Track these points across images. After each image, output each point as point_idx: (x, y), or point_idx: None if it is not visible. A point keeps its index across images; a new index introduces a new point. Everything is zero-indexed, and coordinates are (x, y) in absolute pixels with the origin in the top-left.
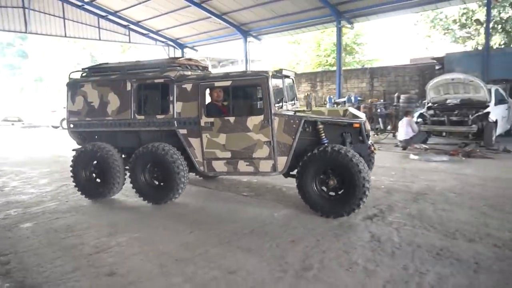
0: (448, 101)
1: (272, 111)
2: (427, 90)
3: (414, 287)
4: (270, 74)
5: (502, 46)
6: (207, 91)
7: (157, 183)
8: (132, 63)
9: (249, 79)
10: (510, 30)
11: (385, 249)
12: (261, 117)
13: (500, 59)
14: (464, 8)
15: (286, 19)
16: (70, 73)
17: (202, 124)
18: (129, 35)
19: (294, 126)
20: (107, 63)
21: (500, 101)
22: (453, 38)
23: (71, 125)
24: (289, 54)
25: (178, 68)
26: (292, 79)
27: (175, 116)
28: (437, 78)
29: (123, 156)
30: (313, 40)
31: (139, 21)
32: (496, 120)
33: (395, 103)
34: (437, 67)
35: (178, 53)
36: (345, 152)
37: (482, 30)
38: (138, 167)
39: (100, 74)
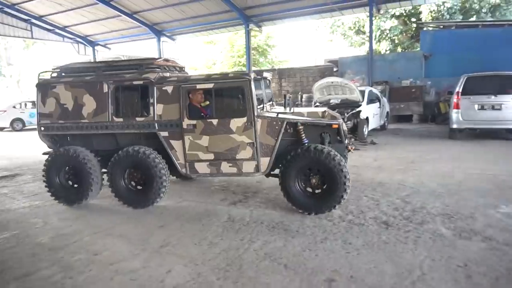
0: (331, 101)
1: (255, 113)
2: (314, 91)
3: (242, 251)
4: (252, 76)
5: (388, 52)
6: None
7: (138, 187)
8: (108, 63)
9: (232, 81)
10: (393, 38)
11: (234, 226)
12: (244, 119)
13: (381, 64)
14: (356, 17)
15: (197, 20)
16: (40, 73)
17: (185, 126)
18: (31, 30)
19: (276, 127)
20: (79, 62)
21: (371, 100)
22: (350, 43)
23: (42, 128)
24: (206, 54)
25: (157, 69)
26: (269, 80)
27: (155, 119)
28: (321, 81)
29: (98, 159)
30: (227, 41)
31: (42, 16)
32: (367, 117)
33: (297, 102)
34: (334, 69)
35: (89, 51)
36: (327, 152)
37: (373, 37)
38: (118, 171)
39: (73, 75)
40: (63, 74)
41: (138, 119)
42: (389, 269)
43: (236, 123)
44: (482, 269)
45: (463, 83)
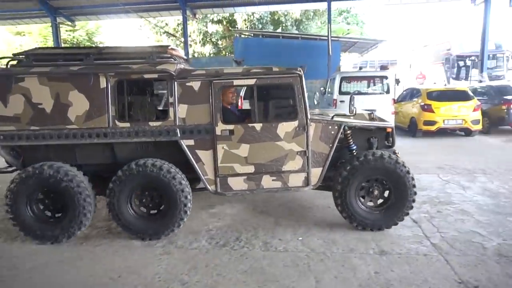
0: None
1: (309, 116)
2: None
3: None
4: (302, 71)
5: (212, 55)
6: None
7: (149, 212)
8: (100, 48)
9: (279, 77)
10: (215, 41)
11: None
12: (295, 123)
13: (196, 66)
14: (178, 20)
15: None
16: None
17: (218, 132)
18: None
19: (332, 133)
20: (55, 47)
21: None
22: (175, 44)
23: (3, 137)
24: (16, 46)
25: (171, 59)
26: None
27: (177, 123)
28: None
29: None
30: (38, 33)
31: None
32: None
33: None
34: None
35: None
36: (396, 159)
37: (198, 40)
38: (124, 194)
39: (48, 64)
40: (33, 62)
41: (152, 123)
42: None
43: (285, 128)
44: None
45: None
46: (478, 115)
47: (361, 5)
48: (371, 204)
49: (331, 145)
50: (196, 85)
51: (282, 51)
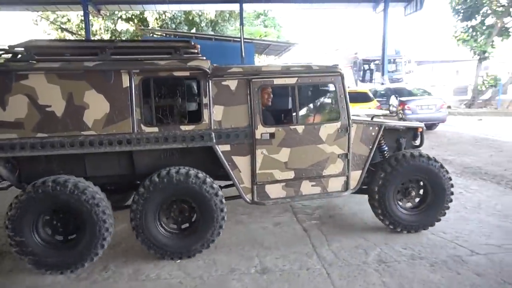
0: None
1: (351, 117)
2: None
3: None
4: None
5: None
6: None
7: (178, 227)
8: (115, 42)
9: (320, 75)
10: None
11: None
12: (338, 124)
13: None
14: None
15: None
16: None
17: (258, 136)
18: None
19: (372, 134)
20: (62, 40)
21: None
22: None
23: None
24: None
25: (198, 55)
26: None
27: (212, 127)
28: None
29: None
30: None
31: None
32: None
33: None
34: None
35: None
36: (434, 158)
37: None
38: (151, 208)
39: (55, 59)
40: (35, 57)
41: (184, 128)
42: None
43: (327, 130)
44: None
45: None
46: None
47: (273, 8)
48: (409, 205)
49: (371, 146)
50: (232, 84)
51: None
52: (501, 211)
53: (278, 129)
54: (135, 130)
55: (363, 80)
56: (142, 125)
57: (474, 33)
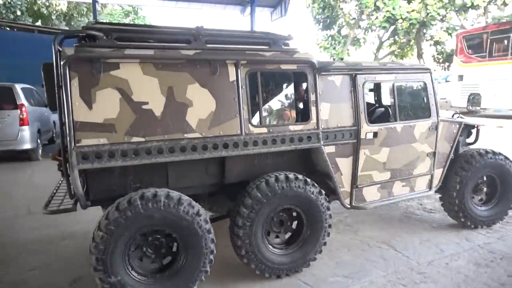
0: None
1: (439, 114)
2: None
3: None
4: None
5: None
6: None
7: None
8: (201, 29)
9: (413, 73)
10: None
11: None
12: (429, 122)
13: None
14: None
15: None
16: (57, 36)
17: (363, 136)
18: None
19: (454, 131)
20: (145, 25)
21: None
22: None
23: (85, 156)
24: None
25: (293, 47)
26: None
27: (320, 126)
28: None
29: None
30: None
31: None
32: None
33: None
34: None
35: None
36: (501, 155)
37: None
38: (260, 223)
39: (140, 45)
40: (116, 42)
41: (293, 128)
42: None
43: (420, 128)
44: None
45: None
46: None
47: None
48: (480, 202)
49: (451, 144)
50: (338, 79)
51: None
52: None
53: (381, 128)
54: (243, 131)
55: None
56: (250, 126)
57: (333, 42)
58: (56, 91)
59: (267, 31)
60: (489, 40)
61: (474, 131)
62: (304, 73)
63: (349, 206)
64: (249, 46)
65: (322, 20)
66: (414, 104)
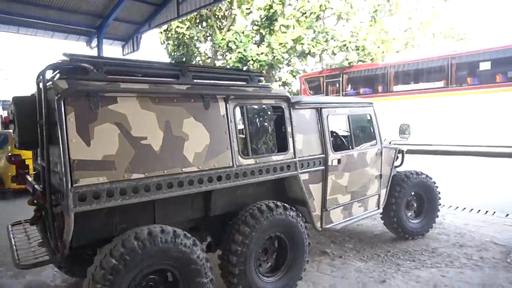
0: None
1: (382, 141)
2: None
3: None
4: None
5: None
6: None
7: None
8: (187, 64)
9: (362, 107)
10: None
11: None
12: (376, 149)
13: None
14: None
15: None
16: (48, 68)
17: (330, 163)
18: None
19: (392, 156)
20: (132, 59)
21: None
22: None
23: (82, 197)
24: None
25: (266, 84)
26: None
27: (297, 155)
28: None
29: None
30: None
31: None
32: None
33: None
34: None
35: None
36: (423, 174)
37: None
38: (252, 255)
39: (130, 79)
40: (107, 76)
41: (275, 158)
42: None
43: (371, 153)
44: None
45: None
46: None
47: None
48: (412, 216)
49: (391, 167)
50: (307, 113)
51: None
52: None
53: (343, 155)
54: (235, 163)
55: None
56: (240, 157)
57: None
58: (39, 128)
59: (240, 68)
60: (325, 82)
61: (400, 155)
62: (281, 107)
63: (320, 229)
64: (231, 82)
65: (177, 58)
66: (365, 133)
